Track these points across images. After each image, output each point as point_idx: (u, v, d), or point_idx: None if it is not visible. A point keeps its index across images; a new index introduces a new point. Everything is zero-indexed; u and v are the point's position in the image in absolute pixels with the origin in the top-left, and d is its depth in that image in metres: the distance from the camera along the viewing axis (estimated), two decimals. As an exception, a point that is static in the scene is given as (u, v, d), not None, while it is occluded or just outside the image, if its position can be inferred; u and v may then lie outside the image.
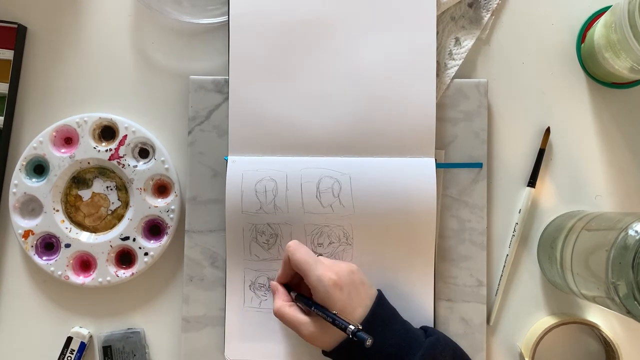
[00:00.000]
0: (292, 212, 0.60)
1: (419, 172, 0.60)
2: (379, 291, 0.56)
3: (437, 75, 0.63)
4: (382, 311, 0.54)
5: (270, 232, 0.61)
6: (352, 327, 0.50)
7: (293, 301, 0.57)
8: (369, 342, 0.49)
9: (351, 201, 0.60)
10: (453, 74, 0.63)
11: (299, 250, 0.56)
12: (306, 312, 0.55)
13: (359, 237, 0.60)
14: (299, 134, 0.61)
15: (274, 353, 0.61)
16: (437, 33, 0.63)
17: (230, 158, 0.62)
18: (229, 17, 0.62)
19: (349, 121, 0.61)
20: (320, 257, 0.57)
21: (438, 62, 0.63)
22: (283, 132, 0.62)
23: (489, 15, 0.64)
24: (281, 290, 0.58)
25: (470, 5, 0.64)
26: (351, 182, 0.60)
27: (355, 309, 0.53)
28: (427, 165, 0.60)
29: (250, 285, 0.62)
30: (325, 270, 0.53)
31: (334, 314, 0.52)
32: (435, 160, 0.61)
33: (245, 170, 0.61)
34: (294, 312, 0.55)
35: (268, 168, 0.61)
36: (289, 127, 0.62)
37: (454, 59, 0.64)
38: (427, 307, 0.60)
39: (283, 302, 0.56)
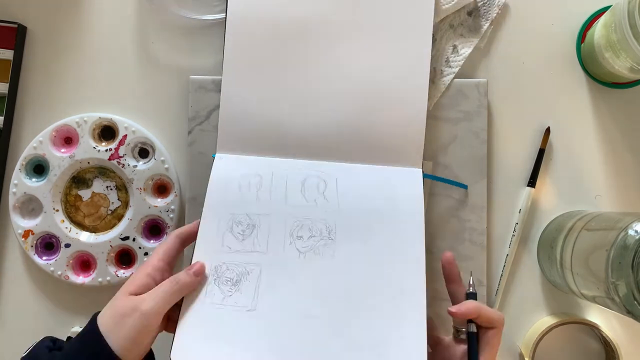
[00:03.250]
0: (274, 203, 0.59)
1: (405, 182, 0.59)
2: None
3: (432, 81, 0.62)
4: None
5: (247, 223, 0.59)
6: None
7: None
8: None
9: (336, 198, 0.59)
10: (449, 81, 0.63)
11: None
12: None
13: (342, 234, 0.58)
14: (288, 135, 0.61)
15: (231, 357, 0.53)
16: (435, 40, 0.63)
17: (217, 155, 0.61)
18: (226, 16, 0.62)
19: (338, 125, 0.61)
20: None
21: (434, 69, 0.63)
22: (272, 132, 0.61)
23: (488, 24, 0.64)
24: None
25: (469, 14, 0.64)
26: (337, 185, 0.59)
27: None
28: (413, 176, 0.59)
29: (215, 279, 0.57)
30: None
31: None
32: (423, 171, 0.59)
33: (232, 169, 0.60)
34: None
35: (254, 167, 0.60)
36: (278, 128, 0.61)
37: (450, 67, 0.63)
38: (418, 318, 0.53)
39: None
